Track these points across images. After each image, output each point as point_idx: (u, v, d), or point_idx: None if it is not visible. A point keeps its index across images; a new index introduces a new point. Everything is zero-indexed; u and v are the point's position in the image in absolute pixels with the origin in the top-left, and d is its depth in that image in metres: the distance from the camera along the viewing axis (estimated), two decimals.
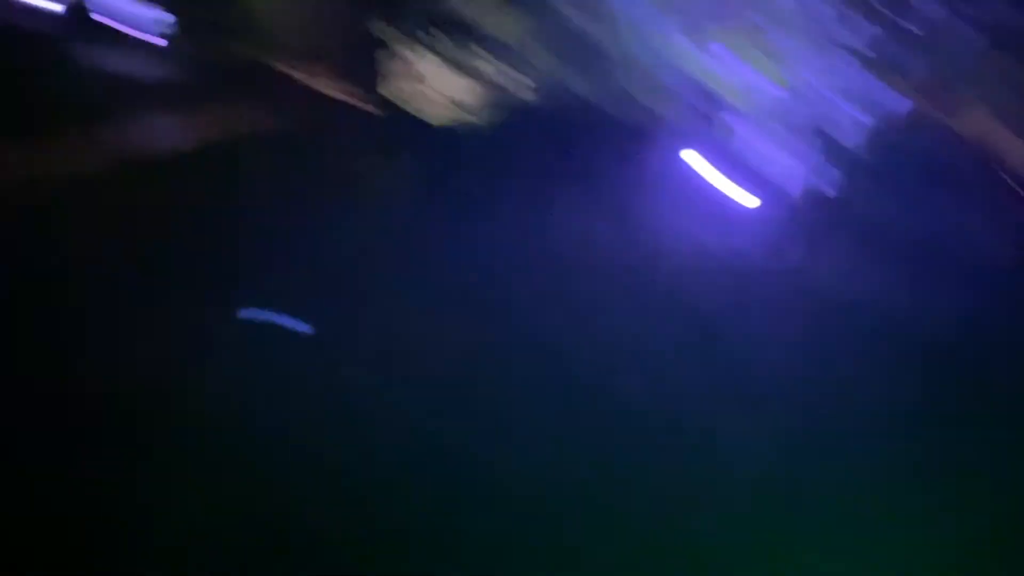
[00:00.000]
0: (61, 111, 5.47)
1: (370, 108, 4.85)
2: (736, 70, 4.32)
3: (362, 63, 5.04)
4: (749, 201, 4.40)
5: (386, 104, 4.79)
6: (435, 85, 4.70)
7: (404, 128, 4.67)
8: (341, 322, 3.90)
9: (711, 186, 4.49)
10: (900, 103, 4.24)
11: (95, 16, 6.32)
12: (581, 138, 4.46)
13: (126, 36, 6.26)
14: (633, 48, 4.39)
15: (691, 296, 4.00)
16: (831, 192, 4.27)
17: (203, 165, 5.20)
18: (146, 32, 6.38)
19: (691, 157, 4.50)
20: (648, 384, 3.48)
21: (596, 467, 3.18)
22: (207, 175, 5.10)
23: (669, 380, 3.55)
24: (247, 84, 5.71)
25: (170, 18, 6.16)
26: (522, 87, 4.59)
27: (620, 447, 3.29)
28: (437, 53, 4.64)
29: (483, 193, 4.57)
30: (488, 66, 4.60)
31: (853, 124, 4.23)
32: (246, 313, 3.90)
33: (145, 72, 6.17)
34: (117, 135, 5.45)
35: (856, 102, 4.25)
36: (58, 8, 6.69)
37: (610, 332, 3.77)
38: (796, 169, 4.31)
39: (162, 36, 6.07)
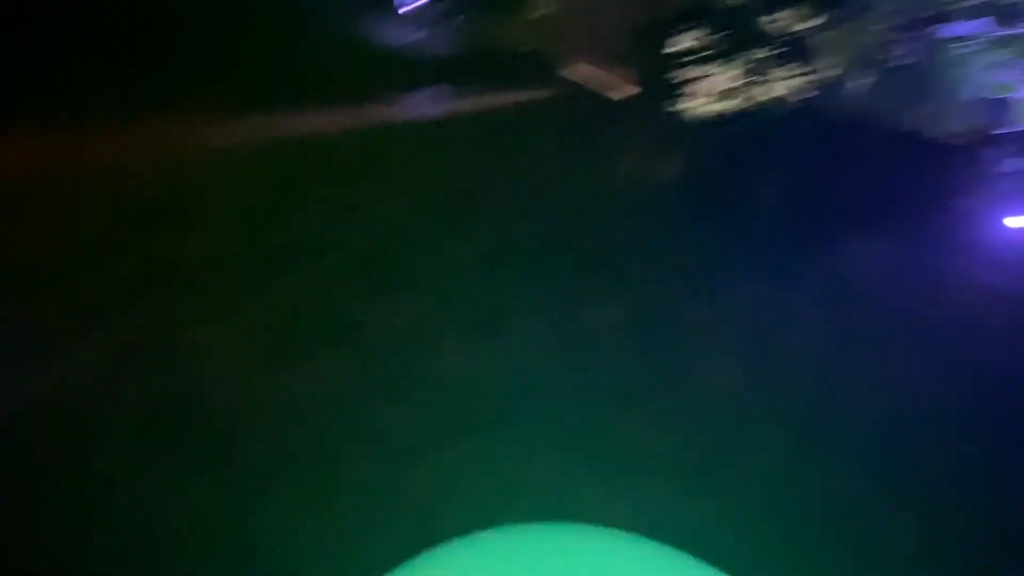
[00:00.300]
0: (344, 82, 5.67)
1: (650, 104, 4.74)
2: None
3: (646, 60, 4.85)
4: None
5: (668, 103, 4.65)
6: (726, 84, 4.56)
7: (688, 128, 4.53)
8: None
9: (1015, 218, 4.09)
10: None
11: None
12: (883, 154, 4.19)
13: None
14: (965, 81, 4.03)
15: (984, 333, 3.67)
16: None
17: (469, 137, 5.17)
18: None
19: (996, 187, 4.13)
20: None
21: None
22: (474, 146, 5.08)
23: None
24: (515, 67, 5.99)
25: None
26: (833, 93, 4.34)
27: None
28: (733, 60, 4.47)
29: (766, 200, 4.34)
30: (785, 73, 4.39)
31: None
32: None
33: (417, 43, 6.40)
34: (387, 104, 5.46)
35: None
36: None
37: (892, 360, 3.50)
38: None
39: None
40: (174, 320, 3.86)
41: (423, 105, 5.45)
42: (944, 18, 4.03)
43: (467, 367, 3.56)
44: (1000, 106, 4.07)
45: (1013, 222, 4.05)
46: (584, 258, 4.30)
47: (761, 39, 4.32)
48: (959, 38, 4.04)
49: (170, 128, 5.33)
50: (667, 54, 4.59)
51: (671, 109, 4.54)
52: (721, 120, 4.41)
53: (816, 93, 4.24)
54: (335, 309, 3.95)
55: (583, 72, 5.70)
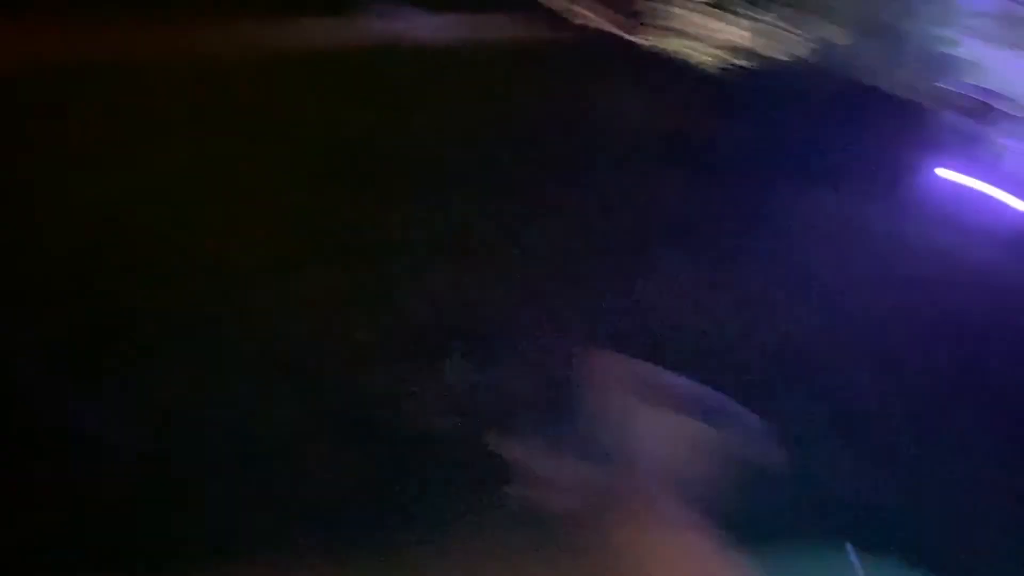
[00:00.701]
0: None
1: (626, 42, 4.75)
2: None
3: (650, 3, 4.98)
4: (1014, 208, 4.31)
5: (643, 42, 4.69)
6: (699, 31, 4.60)
7: (658, 67, 4.58)
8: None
9: (975, 188, 4.41)
10: None
11: None
12: (848, 111, 4.35)
13: None
14: (922, 36, 4.18)
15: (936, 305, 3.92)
16: None
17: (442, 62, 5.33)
18: None
19: (957, 154, 4.34)
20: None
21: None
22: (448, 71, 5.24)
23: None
24: None
25: None
26: (795, 47, 4.44)
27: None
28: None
29: (724, 146, 4.57)
30: (761, 21, 4.45)
31: None
32: None
33: None
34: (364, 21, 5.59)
35: None
36: None
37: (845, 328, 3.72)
38: None
39: None
40: (178, 223, 3.88)
41: (411, 29, 5.42)
42: None
43: (451, 287, 3.69)
44: (942, 60, 4.28)
45: (950, 175, 4.43)
46: (572, 194, 4.45)
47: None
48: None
49: (163, 34, 5.15)
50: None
51: (668, 55, 4.62)
52: (717, 71, 4.51)
53: (808, 52, 4.36)
54: (326, 222, 4.01)
55: (586, 7, 5.66)
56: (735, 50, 4.59)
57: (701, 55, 4.60)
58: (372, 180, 4.31)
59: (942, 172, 4.65)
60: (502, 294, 3.73)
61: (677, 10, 4.70)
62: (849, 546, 2.50)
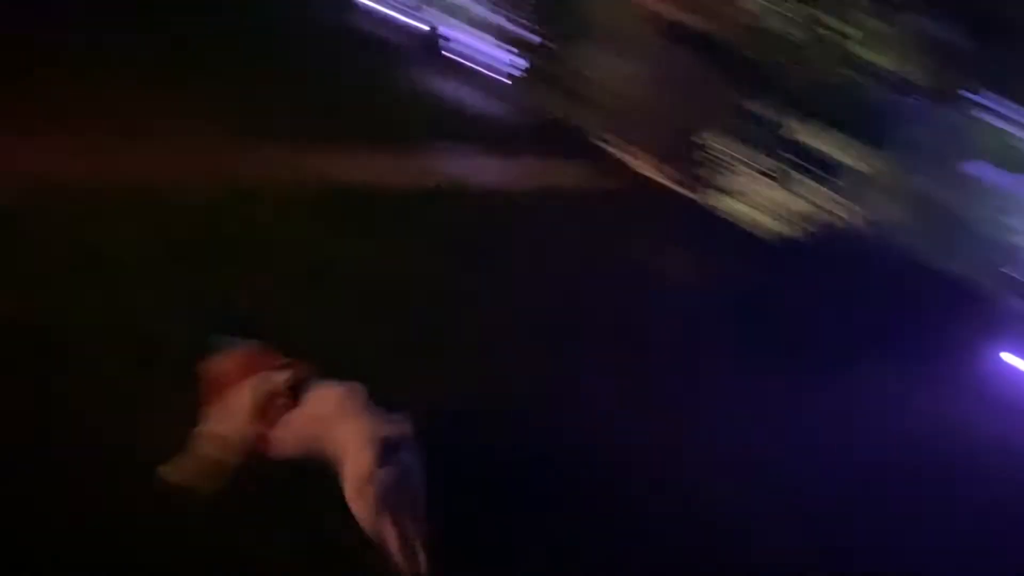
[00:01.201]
0: (393, 125, 5.95)
1: (680, 200, 4.93)
2: None
3: (681, 157, 5.14)
4: None
5: (698, 202, 4.89)
6: (757, 197, 4.78)
7: (714, 227, 4.74)
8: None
9: None
10: None
11: (446, 44, 6.80)
12: (905, 287, 4.37)
13: (473, 70, 6.80)
14: (980, 221, 4.25)
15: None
16: None
17: (505, 204, 5.38)
18: (494, 71, 6.77)
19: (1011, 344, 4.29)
20: None
21: None
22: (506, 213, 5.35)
23: None
24: (567, 143, 5.91)
25: (521, 64, 6.57)
26: (855, 219, 4.55)
27: None
28: (769, 169, 4.71)
29: (782, 313, 4.58)
30: (820, 192, 4.61)
31: None
32: None
33: (479, 106, 6.49)
34: (434, 157, 5.78)
35: None
36: (418, 30, 7.24)
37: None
38: None
39: (509, 78, 6.48)
40: None
41: (472, 172, 5.58)
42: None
43: None
44: (1007, 248, 4.25)
45: (1010, 359, 4.23)
46: (599, 330, 4.46)
47: (816, 167, 4.57)
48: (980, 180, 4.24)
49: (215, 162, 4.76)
50: (726, 160, 4.84)
51: (717, 211, 4.76)
52: (764, 232, 4.61)
53: (853, 223, 4.44)
54: None
55: (638, 159, 5.88)
56: (789, 216, 4.69)
57: (754, 217, 4.70)
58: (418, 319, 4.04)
59: (1005, 357, 4.56)
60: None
61: (735, 174, 4.86)
62: None
